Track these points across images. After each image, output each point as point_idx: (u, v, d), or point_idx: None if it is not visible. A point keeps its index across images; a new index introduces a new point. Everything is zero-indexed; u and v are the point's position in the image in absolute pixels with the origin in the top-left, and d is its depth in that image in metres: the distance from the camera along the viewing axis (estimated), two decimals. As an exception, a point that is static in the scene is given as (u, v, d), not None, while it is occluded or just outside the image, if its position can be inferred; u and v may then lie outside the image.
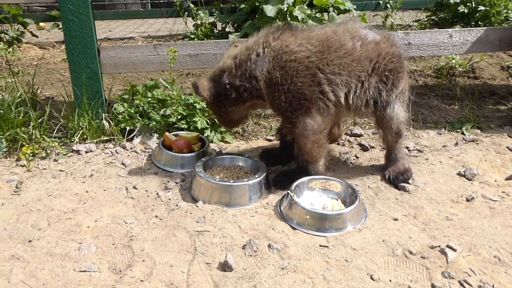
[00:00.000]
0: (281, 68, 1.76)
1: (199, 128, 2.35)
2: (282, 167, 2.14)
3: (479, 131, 2.58)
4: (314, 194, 1.85)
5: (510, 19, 4.18)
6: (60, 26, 4.32)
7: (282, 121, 1.93)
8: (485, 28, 2.88)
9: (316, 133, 1.82)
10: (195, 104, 2.38)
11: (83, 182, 1.96)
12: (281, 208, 1.73)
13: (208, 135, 2.36)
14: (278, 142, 2.26)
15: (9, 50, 4.28)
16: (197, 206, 1.76)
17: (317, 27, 1.97)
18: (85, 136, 2.35)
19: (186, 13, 4.50)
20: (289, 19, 3.21)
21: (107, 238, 1.56)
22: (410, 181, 1.97)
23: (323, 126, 1.84)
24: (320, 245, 1.53)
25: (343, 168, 2.14)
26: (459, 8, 4.29)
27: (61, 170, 2.07)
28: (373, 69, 1.85)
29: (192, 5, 4.24)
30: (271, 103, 1.86)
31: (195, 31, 4.13)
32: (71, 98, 2.52)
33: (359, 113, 1.98)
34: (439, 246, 1.52)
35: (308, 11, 3.18)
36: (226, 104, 1.93)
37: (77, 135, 2.33)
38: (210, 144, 2.31)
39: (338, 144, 2.43)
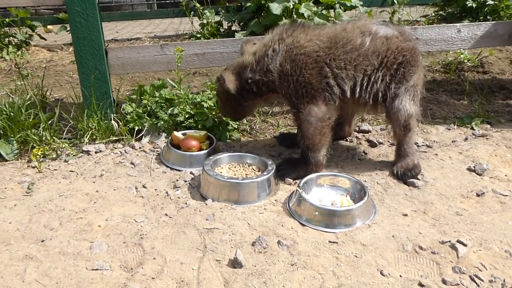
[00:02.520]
0: (292, 61, 1.90)
1: (207, 126, 2.36)
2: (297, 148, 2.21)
3: (489, 126, 2.56)
4: (323, 191, 1.85)
5: (519, 12, 4.13)
6: (68, 29, 4.36)
7: (290, 107, 2.03)
8: (494, 22, 2.85)
9: (320, 121, 1.90)
10: (202, 103, 2.39)
11: (93, 182, 1.99)
12: (290, 205, 1.74)
13: (216, 133, 2.37)
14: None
15: (18, 53, 4.34)
16: (206, 204, 1.77)
17: (329, 25, 2.09)
18: (95, 137, 2.38)
19: (192, 12, 4.51)
20: (295, 16, 3.21)
21: (118, 236, 1.58)
22: (419, 177, 1.96)
23: (327, 115, 1.92)
24: (330, 241, 1.53)
25: (352, 164, 2.14)
26: (467, 2, 4.25)
27: (72, 171, 2.10)
28: (381, 63, 1.90)
29: (198, 5, 4.25)
30: (282, 93, 1.98)
31: (201, 30, 4.15)
32: (80, 99, 2.55)
33: (368, 107, 2.00)
34: (450, 241, 1.51)
35: (314, 8, 3.18)
36: (246, 98, 2.06)
37: (86, 136, 2.35)
38: (218, 142, 2.32)
39: (346, 140, 2.42)
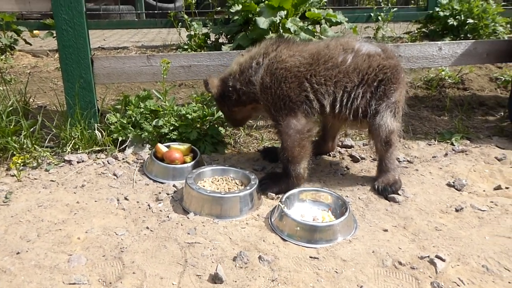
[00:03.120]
0: (272, 74, 1.95)
1: (191, 139, 2.36)
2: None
3: (469, 141, 2.62)
4: (305, 206, 1.87)
5: (497, 32, 4.26)
6: (55, 35, 4.32)
7: (270, 120, 2.09)
8: (473, 41, 2.93)
9: (299, 133, 1.94)
10: (187, 115, 2.39)
11: (74, 193, 1.96)
12: (272, 220, 1.74)
13: (200, 146, 2.37)
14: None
15: (1, 57, 4.27)
16: (188, 218, 1.76)
17: (314, 41, 2.13)
18: (77, 146, 2.35)
19: (180, 23, 4.52)
20: (281, 31, 3.25)
21: (97, 249, 1.56)
22: (400, 192, 1.99)
23: (306, 128, 1.95)
24: (311, 257, 1.54)
25: (334, 179, 2.16)
26: (449, 20, 4.36)
27: (52, 181, 2.07)
28: (362, 80, 1.94)
29: (186, 16, 4.27)
30: (263, 105, 2.04)
31: (188, 41, 4.15)
32: (64, 107, 2.52)
33: (349, 122, 2.04)
34: (429, 256, 1.53)
35: (301, 24, 3.22)
36: (228, 104, 2.14)
37: (69, 145, 2.33)
38: (202, 155, 2.32)
39: (329, 155, 2.45)
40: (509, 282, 1.42)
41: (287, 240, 1.63)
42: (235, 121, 2.34)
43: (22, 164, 2.14)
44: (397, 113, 2.01)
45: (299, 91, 1.93)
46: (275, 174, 2.14)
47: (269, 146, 2.54)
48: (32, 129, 2.36)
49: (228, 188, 1.94)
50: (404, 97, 2.08)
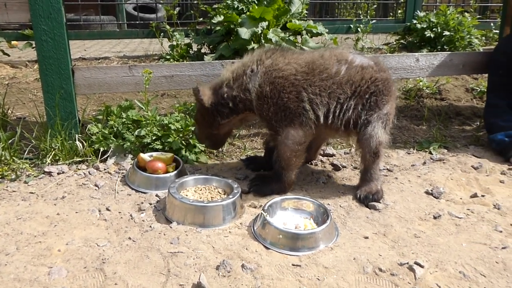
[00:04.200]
0: (271, 83, 1.96)
1: (174, 148, 2.36)
2: (263, 172, 2.28)
3: (446, 150, 2.69)
4: (287, 214, 1.88)
5: (473, 44, 4.40)
6: (33, 45, 4.28)
7: (268, 129, 2.10)
8: (450, 52, 3.03)
9: (297, 144, 1.98)
10: (169, 125, 2.39)
11: (55, 205, 1.93)
12: (255, 228, 1.75)
13: (183, 156, 2.38)
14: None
15: (-21, 69, 4.19)
16: (171, 227, 1.76)
17: (308, 51, 2.15)
18: (57, 157, 2.32)
19: (162, 34, 4.53)
20: (263, 41, 3.30)
21: (78, 261, 1.54)
22: (381, 201, 2.03)
23: (304, 139, 1.99)
24: (293, 264, 1.55)
25: (316, 188, 2.18)
26: (426, 33, 4.50)
27: (32, 192, 2.03)
28: (354, 92, 1.97)
29: (168, 27, 4.28)
30: (259, 114, 2.03)
31: (170, 52, 4.16)
32: (44, 118, 2.49)
33: (340, 133, 2.08)
34: (408, 263, 1.56)
35: (282, 34, 3.28)
36: (221, 114, 2.08)
37: (49, 156, 2.29)
38: (185, 165, 2.32)
39: (311, 164, 2.48)
40: None
41: (269, 248, 1.64)
42: (217, 138, 2.23)
43: (0, 176, 2.10)
44: (387, 125, 2.03)
45: (298, 102, 1.94)
46: (265, 176, 2.17)
47: (252, 155, 2.56)
48: (10, 140, 2.32)
49: (211, 197, 1.94)
50: (395, 110, 2.11)
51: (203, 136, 2.24)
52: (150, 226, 1.77)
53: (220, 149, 2.58)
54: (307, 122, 1.97)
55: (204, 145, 2.43)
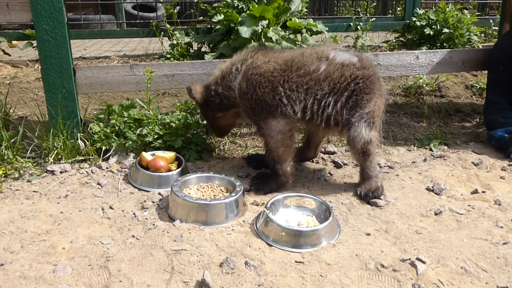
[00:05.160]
0: (247, 80, 2.04)
1: (176, 147, 2.37)
2: (265, 170, 2.29)
3: (446, 147, 2.70)
4: (289, 211, 1.90)
5: (472, 41, 4.41)
6: (34, 45, 4.28)
7: (253, 124, 2.18)
8: (449, 50, 3.03)
9: (280, 133, 2.02)
10: (171, 124, 2.40)
11: (58, 203, 1.94)
12: (257, 226, 1.76)
13: (184, 154, 2.39)
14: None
15: (-20, 69, 4.20)
16: (174, 225, 1.77)
17: (289, 50, 2.21)
18: (60, 156, 2.33)
19: (162, 33, 4.53)
20: (263, 40, 3.30)
21: (83, 259, 1.55)
22: (381, 197, 2.04)
23: (287, 127, 2.04)
24: (296, 261, 1.56)
25: (317, 185, 2.20)
26: (425, 30, 4.50)
27: (35, 191, 2.05)
28: (333, 89, 1.98)
29: (168, 26, 4.29)
30: (243, 110, 2.13)
31: (171, 51, 4.17)
32: (45, 117, 2.50)
33: (324, 130, 2.12)
34: (410, 259, 1.58)
35: (282, 33, 3.28)
36: (212, 109, 2.21)
37: (51, 155, 2.30)
38: (187, 163, 2.33)
39: (313, 161, 2.49)
40: (486, 283, 1.48)
41: (272, 245, 1.65)
42: (220, 129, 2.38)
43: (3, 175, 2.11)
44: (373, 123, 2.00)
45: (273, 95, 2.01)
46: (264, 174, 2.19)
47: (253, 153, 2.57)
48: (13, 140, 2.33)
49: (214, 195, 1.95)
50: (382, 107, 2.08)
51: (209, 127, 2.41)
52: (153, 224, 1.78)
53: (222, 147, 2.60)
54: (285, 112, 2.02)
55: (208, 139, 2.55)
